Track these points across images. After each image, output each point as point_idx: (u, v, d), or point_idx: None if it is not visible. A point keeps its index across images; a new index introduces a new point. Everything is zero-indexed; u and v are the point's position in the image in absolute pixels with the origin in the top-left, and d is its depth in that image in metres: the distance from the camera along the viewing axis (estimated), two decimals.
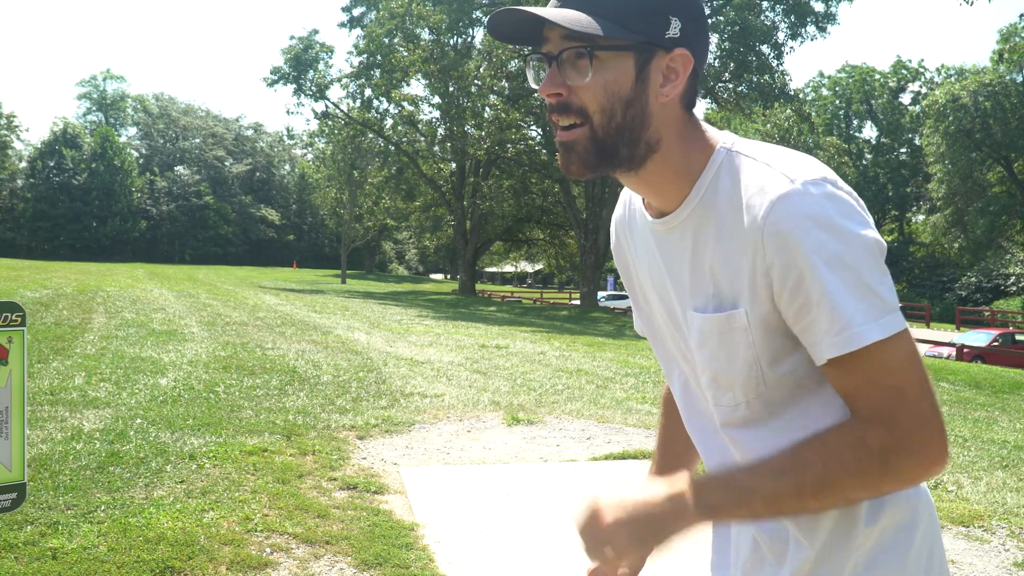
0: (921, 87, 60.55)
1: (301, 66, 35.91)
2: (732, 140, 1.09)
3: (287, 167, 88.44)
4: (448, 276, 73.48)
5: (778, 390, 1.06)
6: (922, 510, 1.09)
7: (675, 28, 1.02)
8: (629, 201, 1.25)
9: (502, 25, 1.06)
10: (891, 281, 0.99)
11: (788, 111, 33.74)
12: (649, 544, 1.01)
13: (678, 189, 1.08)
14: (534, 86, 1.09)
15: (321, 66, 36.58)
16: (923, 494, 1.10)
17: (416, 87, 43.06)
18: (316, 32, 36.65)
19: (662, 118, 1.05)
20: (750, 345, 1.04)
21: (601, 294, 36.16)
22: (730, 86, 31.24)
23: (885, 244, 1.00)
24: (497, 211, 37.51)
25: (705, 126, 1.11)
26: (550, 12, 1.00)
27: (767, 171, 1.01)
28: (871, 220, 1.00)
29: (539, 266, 65.38)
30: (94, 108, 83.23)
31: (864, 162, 61.62)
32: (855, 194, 1.01)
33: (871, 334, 0.94)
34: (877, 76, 61.64)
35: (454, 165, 38.19)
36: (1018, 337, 23.18)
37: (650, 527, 1.00)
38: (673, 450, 1.39)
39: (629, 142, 1.04)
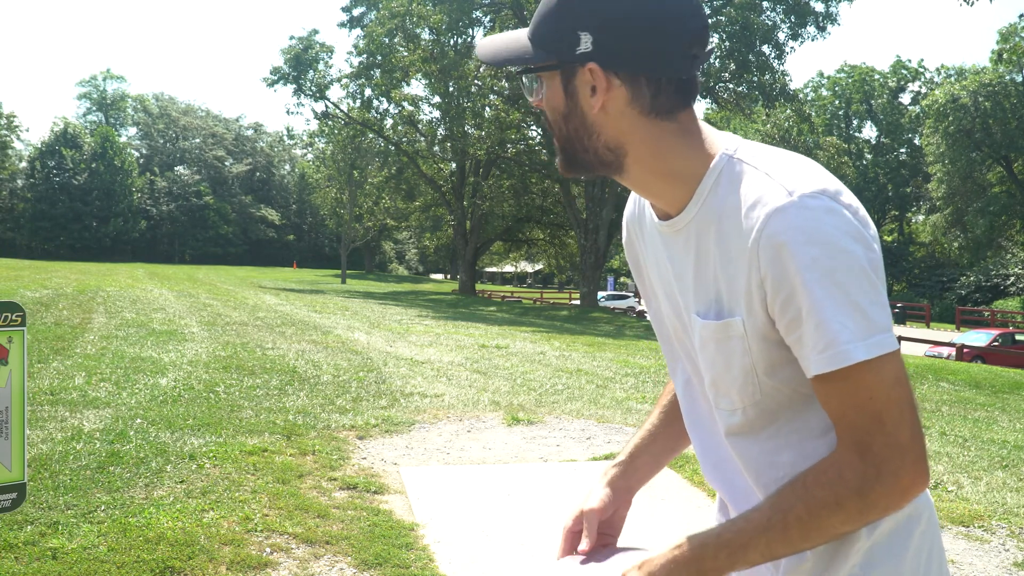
0: (921, 87, 60.55)
1: (301, 66, 35.91)
2: (736, 146, 1.08)
3: (287, 167, 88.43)
4: (448, 276, 73.45)
5: (775, 399, 1.07)
6: (920, 511, 1.09)
7: (586, 43, 1.03)
8: (638, 198, 1.26)
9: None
10: (885, 300, 0.98)
11: (788, 111, 33.72)
12: None
13: (675, 193, 1.09)
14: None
15: (321, 66, 36.59)
16: (922, 496, 1.10)
17: (416, 87, 43.02)
18: (316, 32, 36.68)
19: (614, 126, 1.07)
20: (746, 353, 1.05)
21: (601, 294, 36.20)
22: (730, 86, 31.24)
23: (881, 260, 0.99)
24: (497, 211, 37.53)
25: (707, 131, 1.10)
26: (487, 43, 1.14)
27: (766, 181, 1.00)
28: (871, 234, 0.99)
29: (539, 266, 65.35)
30: (94, 108, 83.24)
31: (864, 162, 61.62)
32: (856, 206, 1.00)
33: (856, 354, 0.94)
34: (877, 76, 61.63)
35: (454, 165, 38.19)
36: (1018, 337, 23.19)
37: None
38: (674, 426, 1.37)
39: (583, 149, 1.10)
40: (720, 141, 1.09)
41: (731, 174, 1.05)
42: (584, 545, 1.24)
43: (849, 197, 1.00)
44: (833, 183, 1.00)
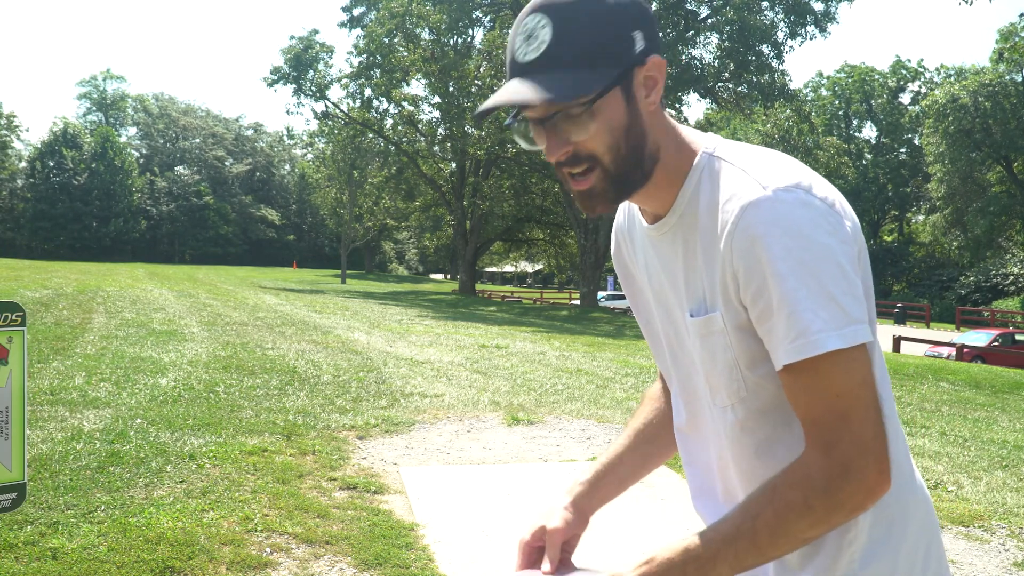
0: (921, 87, 60.51)
1: (301, 66, 35.90)
2: (715, 144, 1.09)
3: (287, 167, 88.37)
4: (448, 276, 73.42)
5: (760, 397, 1.07)
6: (915, 508, 1.09)
7: (640, 40, 1.02)
8: (628, 208, 1.26)
9: (484, 113, 1.04)
10: (860, 293, 0.98)
11: (788, 111, 33.70)
12: None
13: (668, 193, 1.10)
14: (530, 148, 1.09)
15: (321, 66, 36.57)
16: (918, 492, 1.11)
17: (416, 87, 42.98)
18: (316, 32, 36.65)
19: (653, 125, 1.06)
20: (728, 347, 1.06)
21: (601, 294, 36.16)
22: (730, 86, 31.23)
23: (854, 254, 0.99)
24: (497, 211, 37.51)
25: (687, 128, 1.12)
26: (534, 92, 0.98)
27: (742, 177, 1.02)
28: (849, 227, 1.00)
29: (539, 266, 65.37)
30: (94, 108, 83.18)
31: (864, 162, 61.57)
32: (832, 199, 1.00)
33: (829, 342, 0.94)
34: (876, 76, 61.57)
35: (454, 165, 38.17)
36: (1018, 337, 23.17)
37: None
38: (641, 450, 1.37)
39: (638, 163, 1.05)
40: (699, 139, 1.11)
41: (711, 171, 1.07)
42: (547, 566, 1.22)
43: (825, 190, 1.00)
44: (808, 177, 1.01)
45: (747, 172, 1.02)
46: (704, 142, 1.10)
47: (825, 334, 0.94)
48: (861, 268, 1.02)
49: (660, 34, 1.05)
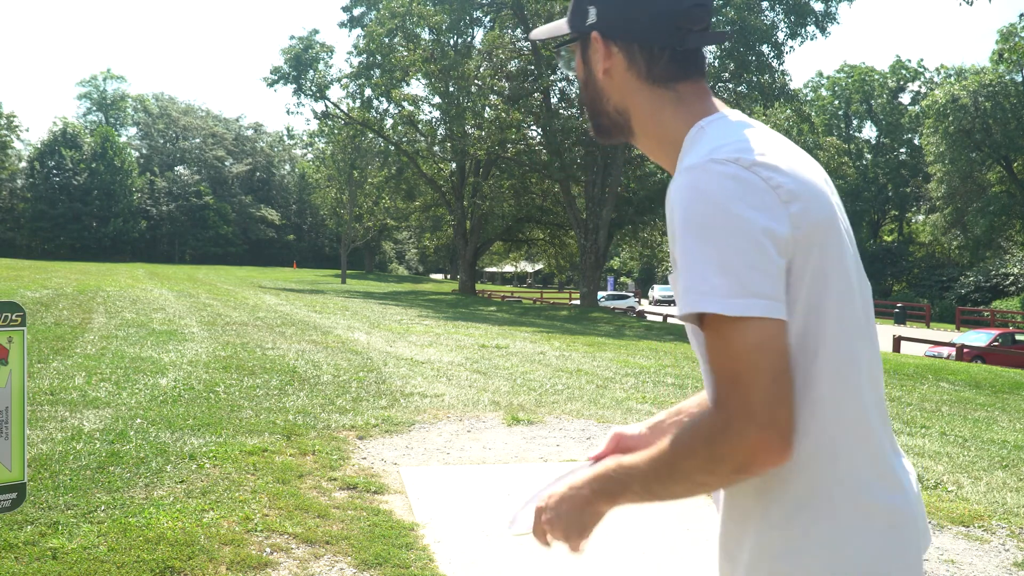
0: (920, 87, 60.50)
1: (301, 66, 35.92)
2: (714, 117, 1.15)
3: (287, 167, 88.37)
4: (448, 276, 73.42)
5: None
6: (861, 519, 1.06)
7: (592, 16, 1.20)
8: None
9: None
10: (774, 270, 1.00)
11: (788, 111, 33.68)
12: (571, 527, 1.17)
13: (670, 158, 1.19)
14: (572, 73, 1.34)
15: (321, 66, 36.60)
16: (871, 503, 1.07)
17: (416, 87, 42.94)
18: (316, 32, 36.67)
19: (619, 90, 1.21)
20: (695, 331, 1.14)
21: (601, 294, 36.19)
22: (730, 86, 31.21)
23: (787, 236, 1.01)
24: (497, 211, 37.49)
25: (706, 104, 1.18)
26: (540, 28, 1.32)
27: (700, 147, 1.08)
28: (793, 210, 1.02)
29: (539, 266, 65.32)
30: (94, 108, 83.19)
31: (864, 162, 61.57)
32: (782, 183, 1.02)
33: (708, 305, 0.98)
34: (876, 76, 61.58)
35: (454, 165, 38.19)
36: (1018, 337, 23.16)
37: (569, 513, 1.16)
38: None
39: (600, 113, 1.25)
40: (707, 112, 1.17)
41: (692, 141, 1.13)
42: (592, 453, 1.38)
43: (775, 173, 1.03)
44: (762, 155, 1.04)
45: (706, 144, 1.08)
46: (708, 115, 1.16)
47: (709, 297, 0.98)
48: (810, 258, 1.03)
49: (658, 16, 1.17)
